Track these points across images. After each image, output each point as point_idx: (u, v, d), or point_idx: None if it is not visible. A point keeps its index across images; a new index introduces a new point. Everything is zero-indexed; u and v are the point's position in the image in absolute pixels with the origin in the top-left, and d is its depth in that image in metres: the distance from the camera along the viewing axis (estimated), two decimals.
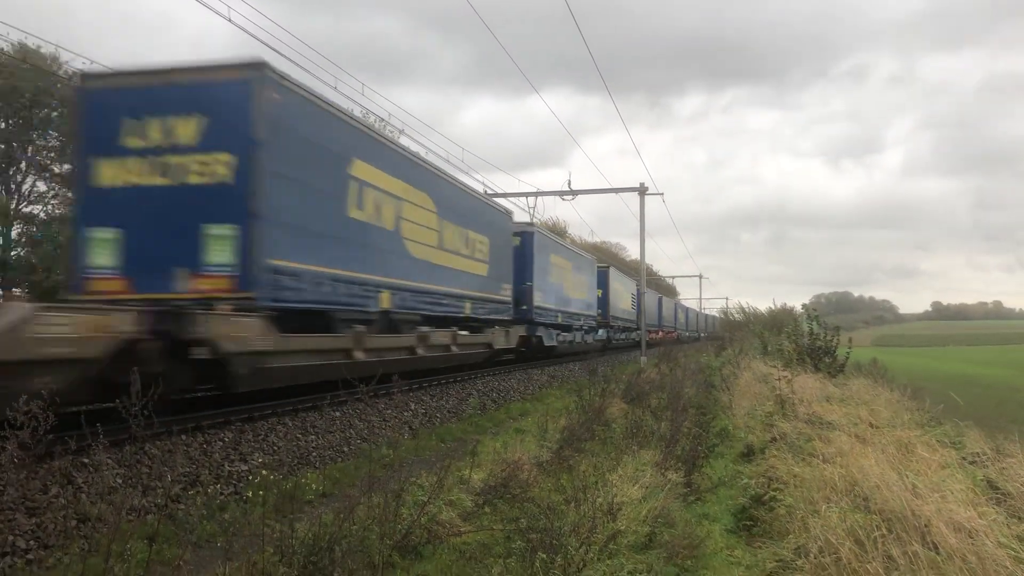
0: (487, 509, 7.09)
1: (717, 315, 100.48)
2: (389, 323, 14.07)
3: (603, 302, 36.39)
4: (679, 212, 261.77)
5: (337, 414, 11.56)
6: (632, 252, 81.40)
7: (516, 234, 23.63)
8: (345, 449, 10.57)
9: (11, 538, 5.68)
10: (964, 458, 7.84)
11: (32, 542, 5.81)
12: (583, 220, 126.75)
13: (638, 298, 41.01)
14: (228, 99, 10.17)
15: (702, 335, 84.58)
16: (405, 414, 13.13)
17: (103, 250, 10.15)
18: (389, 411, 12.54)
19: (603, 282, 36.52)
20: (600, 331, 36.36)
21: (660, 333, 44.51)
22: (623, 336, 43.56)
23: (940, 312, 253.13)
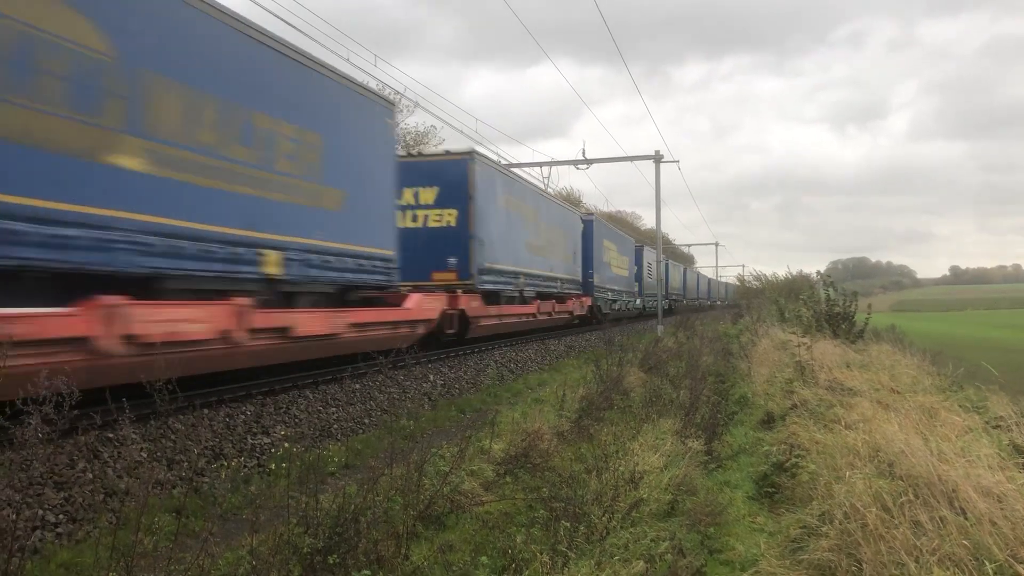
0: (508, 479, 7.12)
1: (735, 282, 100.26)
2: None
3: (586, 264, 29.37)
4: (685, 182, 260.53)
5: (357, 386, 11.62)
6: (647, 221, 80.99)
7: (450, 161, 17.65)
8: (366, 421, 10.63)
9: (41, 512, 5.75)
10: (988, 422, 7.79)
11: (62, 516, 5.88)
12: (598, 190, 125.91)
13: (656, 266, 40.25)
14: None
15: (718, 303, 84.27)
16: (424, 385, 13.18)
17: None
18: (408, 383, 12.59)
19: (587, 240, 29.58)
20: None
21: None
22: (619, 306, 36.71)
23: (958, 276, 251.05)
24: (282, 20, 22.20)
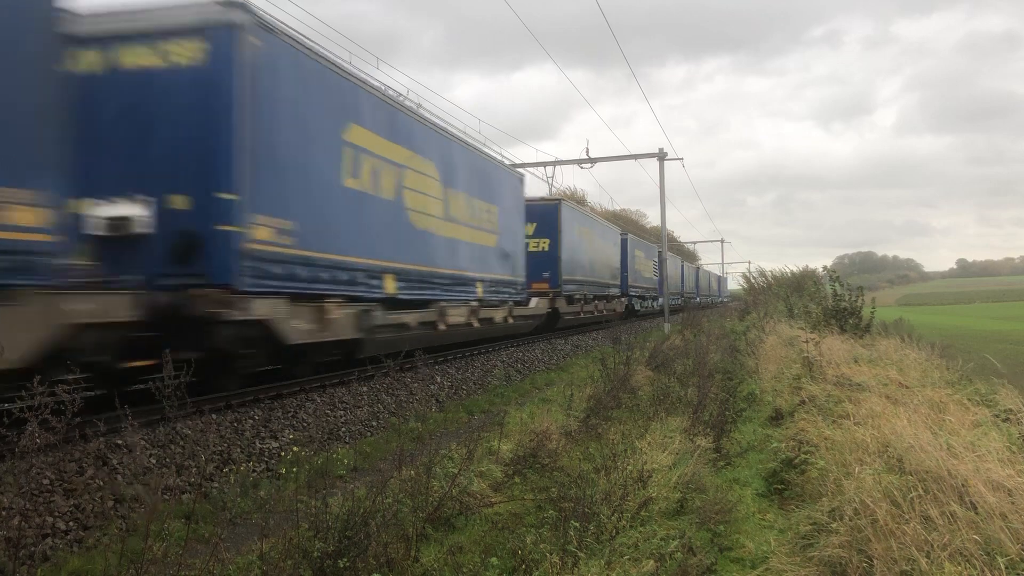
0: (517, 479, 7.11)
1: (740, 279, 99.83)
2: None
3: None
4: (682, 179, 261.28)
5: (364, 389, 11.63)
6: (651, 219, 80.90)
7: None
8: (374, 423, 10.63)
9: (51, 519, 5.77)
10: (997, 415, 7.74)
11: (72, 523, 5.90)
12: (602, 189, 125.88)
13: (660, 264, 40.50)
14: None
15: (725, 299, 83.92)
16: (432, 387, 13.18)
17: None
18: (416, 384, 12.59)
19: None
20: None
21: None
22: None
23: (966, 269, 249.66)
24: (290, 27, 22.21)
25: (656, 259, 44.11)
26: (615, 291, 34.38)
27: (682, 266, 54.50)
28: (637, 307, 40.08)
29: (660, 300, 44.07)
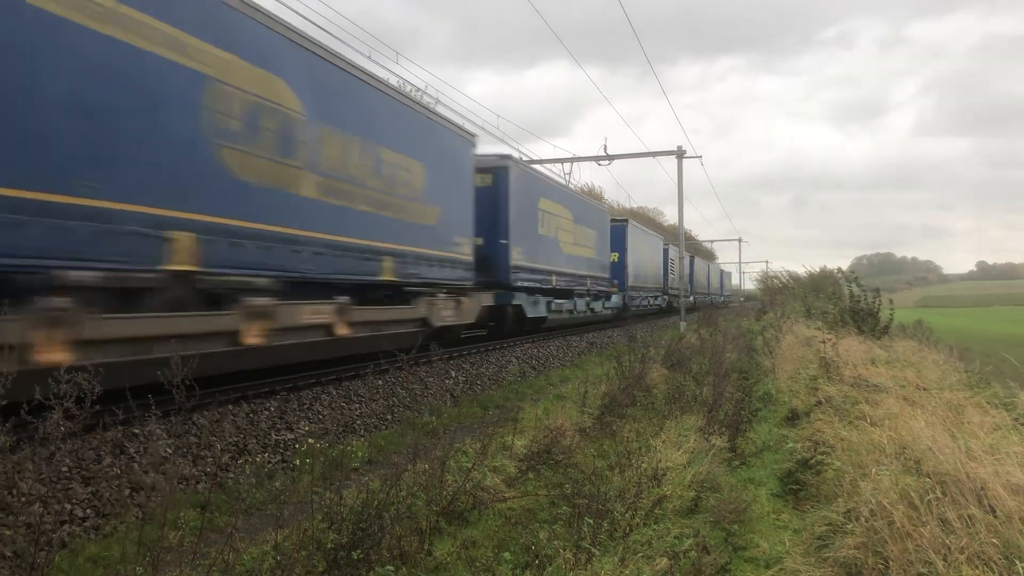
0: (531, 475, 7.11)
1: (757, 277, 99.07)
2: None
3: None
4: (699, 178, 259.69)
5: (380, 382, 11.66)
6: (668, 217, 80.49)
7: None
8: (389, 417, 10.66)
9: (69, 507, 5.82)
10: (1017, 419, 7.67)
11: (89, 511, 5.95)
12: (620, 187, 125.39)
13: (678, 262, 39.67)
14: None
15: (742, 299, 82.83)
16: (447, 382, 13.20)
17: None
18: (431, 379, 12.62)
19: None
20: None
21: None
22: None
23: (986, 271, 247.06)
24: (308, 20, 22.30)
25: (604, 233, 27.64)
26: (453, 275, 15.04)
27: (665, 251, 39.75)
28: (534, 312, 20.72)
29: (614, 299, 29.33)
